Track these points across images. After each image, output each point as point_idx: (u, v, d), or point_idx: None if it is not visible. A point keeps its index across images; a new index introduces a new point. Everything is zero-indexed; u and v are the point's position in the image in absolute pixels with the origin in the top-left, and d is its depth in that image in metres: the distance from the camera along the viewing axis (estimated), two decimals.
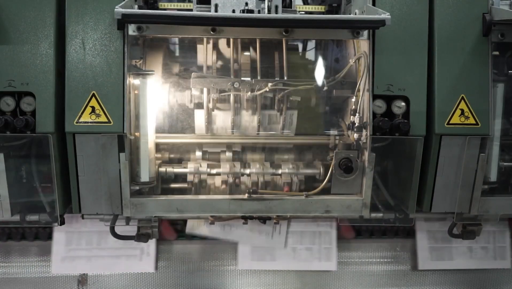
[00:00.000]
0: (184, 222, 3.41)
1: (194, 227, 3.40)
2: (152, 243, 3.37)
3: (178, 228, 3.45)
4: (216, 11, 2.64)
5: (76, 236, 3.36)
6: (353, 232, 3.54)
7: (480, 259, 3.55)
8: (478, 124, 2.67)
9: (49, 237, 3.36)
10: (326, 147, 2.94)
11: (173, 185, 2.89)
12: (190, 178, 2.83)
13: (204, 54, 2.85)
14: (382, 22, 2.39)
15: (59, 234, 3.34)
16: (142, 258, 3.39)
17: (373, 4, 2.62)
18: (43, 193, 2.70)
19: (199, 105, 2.88)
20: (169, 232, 3.43)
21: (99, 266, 3.36)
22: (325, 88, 2.84)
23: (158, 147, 2.89)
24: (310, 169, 2.88)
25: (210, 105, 2.83)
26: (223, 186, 2.85)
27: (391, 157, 2.80)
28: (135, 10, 2.53)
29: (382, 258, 3.54)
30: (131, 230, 2.92)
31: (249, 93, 2.79)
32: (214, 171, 2.84)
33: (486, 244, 3.55)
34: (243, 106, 2.87)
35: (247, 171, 2.85)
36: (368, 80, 2.60)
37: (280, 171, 2.86)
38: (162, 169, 2.82)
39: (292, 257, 3.47)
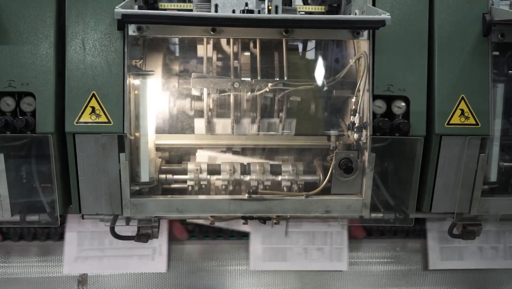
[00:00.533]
0: None
1: None
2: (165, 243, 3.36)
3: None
4: (216, 11, 2.64)
5: None
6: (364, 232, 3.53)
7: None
8: (478, 125, 2.67)
9: None
10: (326, 148, 2.94)
11: (173, 186, 2.89)
12: (190, 176, 2.83)
13: (204, 54, 2.85)
14: (382, 23, 2.39)
15: None
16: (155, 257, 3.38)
17: (373, 4, 2.62)
18: (43, 193, 2.70)
19: (199, 106, 2.88)
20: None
21: None
22: (325, 88, 2.85)
23: (158, 147, 2.89)
24: (310, 175, 2.88)
25: (210, 106, 2.83)
26: (223, 186, 2.85)
27: (391, 157, 2.80)
28: (135, 10, 2.53)
29: (382, 258, 3.54)
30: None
31: (249, 93, 2.79)
32: (214, 172, 2.84)
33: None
34: (243, 106, 2.87)
35: (247, 170, 2.85)
36: (368, 80, 2.60)
37: (280, 178, 2.85)
38: (163, 176, 2.81)
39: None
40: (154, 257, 3.37)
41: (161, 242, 3.36)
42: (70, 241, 3.29)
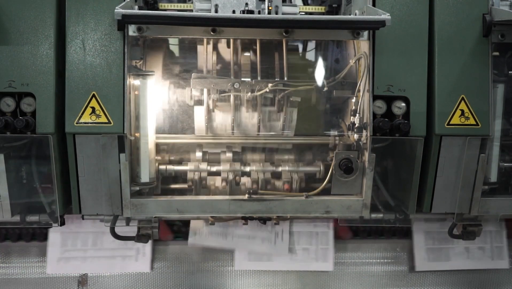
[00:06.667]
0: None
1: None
2: (148, 243, 3.35)
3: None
4: (216, 11, 2.64)
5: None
6: (350, 232, 3.56)
7: (477, 259, 3.53)
8: (478, 125, 2.67)
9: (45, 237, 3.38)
10: (326, 147, 2.94)
11: (173, 186, 2.89)
12: (190, 176, 2.83)
13: (204, 54, 2.85)
14: (382, 23, 2.39)
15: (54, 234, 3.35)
16: (138, 258, 3.39)
17: (373, 5, 2.62)
18: (43, 194, 2.70)
19: (199, 106, 2.88)
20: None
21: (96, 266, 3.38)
22: (325, 88, 2.84)
23: (158, 148, 2.89)
24: (310, 167, 2.88)
25: (210, 106, 2.83)
26: (223, 186, 2.85)
27: (391, 157, 2.80)
28: (135, 11, 2.53)
29: (382, 258, 3.54)
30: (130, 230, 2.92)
31: (249, 93, 2.79)
32: (214, 170, 2.84)
33: (484, 244, 3.53)
34: (243, 106, 2.87)
35: (247, 170, 2.85)
36: (368, 80, 2.60)
37: (280, 169, 2.86)
38: (162, 167, 2.81)
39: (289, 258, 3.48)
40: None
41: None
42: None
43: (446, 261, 3.52)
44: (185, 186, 2.86)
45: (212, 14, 2.61)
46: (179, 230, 3.49)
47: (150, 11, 2.63)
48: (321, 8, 2.95)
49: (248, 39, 2.90)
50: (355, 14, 2.73)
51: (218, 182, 2.88)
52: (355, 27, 2.53)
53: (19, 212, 2.69)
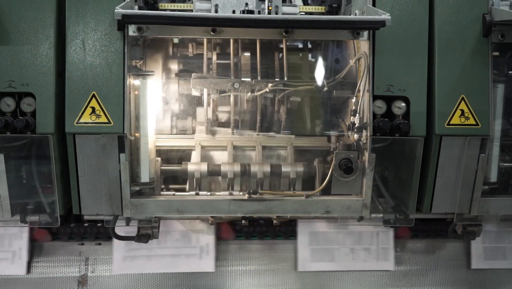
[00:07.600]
0: None
1: None
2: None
3: None
4: (216, 11, 2.64)
5: None
6: None
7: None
8: (478, 125, 2.67)
9: None
10: (326, 147, 2.94)
11: (173, 186, 2.89)
12: (190, 176, 2.83)
13: (204, 54, 2.85)
14: (382, 23, 2.39)
15: None
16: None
17: (373, 5, 2.62)
18: (43, 194, 2.70)
19: (200, 106, 2.88)
20: None
21: None
22: (325, 88, 2.85)
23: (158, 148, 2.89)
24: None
25: (211, 106, 2.83)
26: (223, 186, 2.85)
27: (391, 157, 2.80)
28: (135, 11, 2.53)
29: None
30: None
31: (249, 94, 2.79)
32: (214, 170, 2.84)
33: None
34: (243, 106, 2.87)
35: (247, 170, 2.85)
36: (368, 80, 2.60)
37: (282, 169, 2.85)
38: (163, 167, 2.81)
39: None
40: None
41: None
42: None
43: None
44: (185, 186, 2.86)
45: (212, 14, 2.61)
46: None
47: (150, 11, 2.63)
48: (321, 8, 2.95)
49: (248, 39, 2.91)
50: (355, 14, 2.73)
51: (218, 181, 2.88)
52: (355, 27, 2.53)
53: (19, 212, 2.69)
